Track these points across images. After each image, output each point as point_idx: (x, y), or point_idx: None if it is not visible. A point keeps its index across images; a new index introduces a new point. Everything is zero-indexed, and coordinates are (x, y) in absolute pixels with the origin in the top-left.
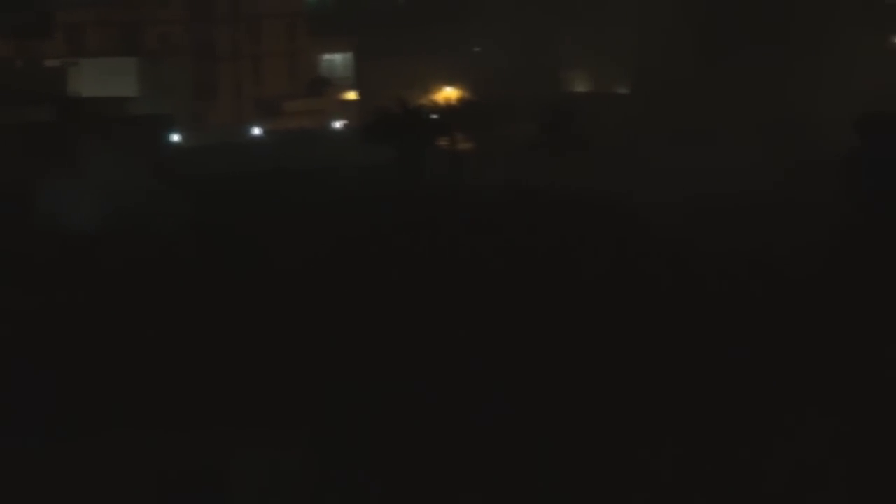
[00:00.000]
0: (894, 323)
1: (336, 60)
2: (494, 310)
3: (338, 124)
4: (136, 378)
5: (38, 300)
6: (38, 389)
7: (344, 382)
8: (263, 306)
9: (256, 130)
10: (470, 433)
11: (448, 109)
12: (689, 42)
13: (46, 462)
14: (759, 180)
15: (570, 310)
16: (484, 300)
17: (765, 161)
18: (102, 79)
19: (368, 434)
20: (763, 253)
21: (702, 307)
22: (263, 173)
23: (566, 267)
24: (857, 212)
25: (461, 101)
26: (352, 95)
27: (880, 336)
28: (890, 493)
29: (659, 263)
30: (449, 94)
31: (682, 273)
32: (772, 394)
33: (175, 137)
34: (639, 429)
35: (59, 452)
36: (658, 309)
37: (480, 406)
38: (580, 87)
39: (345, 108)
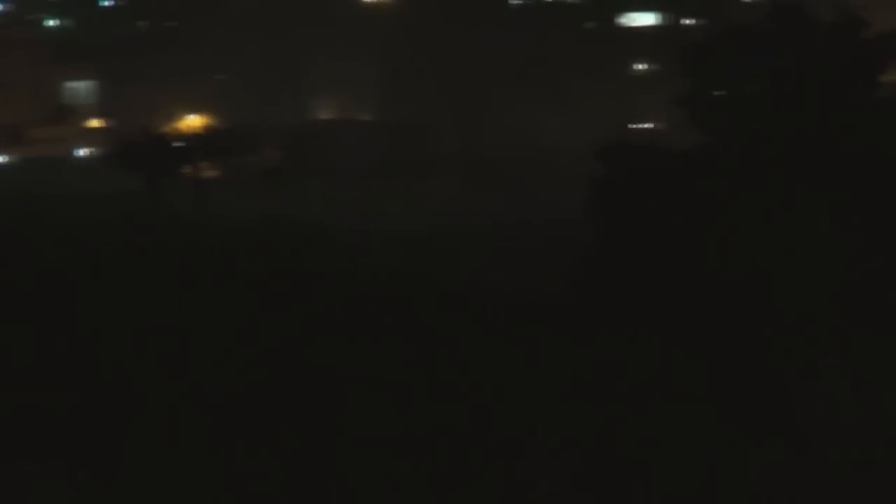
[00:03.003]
0: (643, 341)
1: (80, 87)
2: (243, 332)
3: (83, 152)
4: None
5: None
6: None
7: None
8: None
9: (0, 158)
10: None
11: (192, 137)
12: (431, 75)
13: None
14: (501, 211)
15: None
16: (235, 324)
17: (507, 191)
18: None
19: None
20: (502, 283)
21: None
22: (7, 199)
23: (300, 294)
24: (602, 238)
25: (205, 128)
26: (96, 123)
27: (633, 356)
28: None
29: (383, 295)
30: (193, 121)
31: (405, 304)
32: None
33: None
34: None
35: None
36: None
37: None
38: (325, 114)
39: (90, 136)
